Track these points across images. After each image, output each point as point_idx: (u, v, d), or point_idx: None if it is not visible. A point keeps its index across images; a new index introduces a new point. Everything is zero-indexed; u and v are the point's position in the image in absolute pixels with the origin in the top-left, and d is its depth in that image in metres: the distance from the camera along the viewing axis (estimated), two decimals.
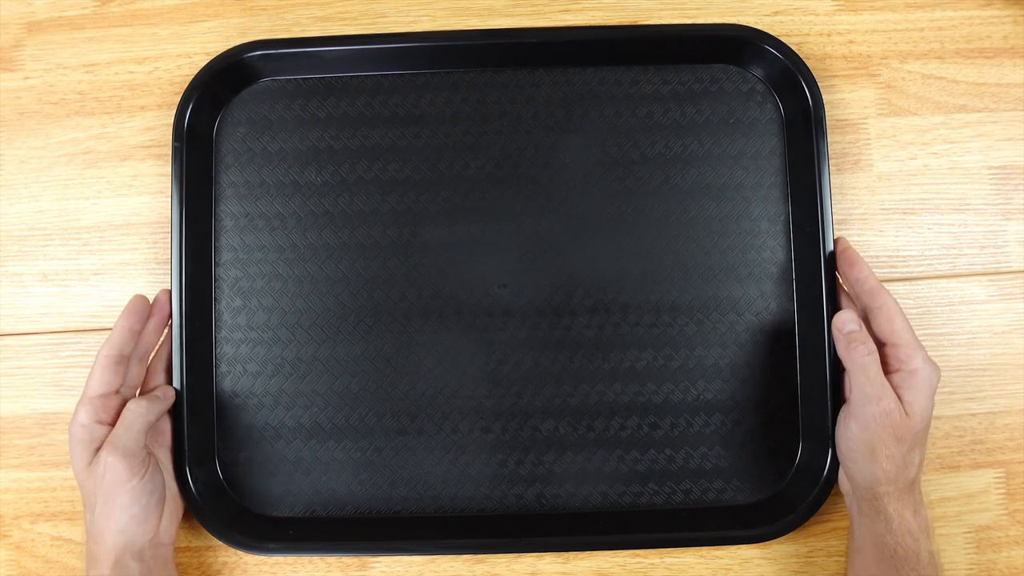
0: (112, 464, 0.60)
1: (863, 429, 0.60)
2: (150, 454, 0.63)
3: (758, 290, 0.68)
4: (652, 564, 0.68)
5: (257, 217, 0.69)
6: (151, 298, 0.66)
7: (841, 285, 0.65)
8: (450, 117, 0.69)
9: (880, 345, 0.61)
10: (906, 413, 0.59)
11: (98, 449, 0.61)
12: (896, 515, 0.60)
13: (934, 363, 0.61)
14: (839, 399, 0.64)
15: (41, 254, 0.71)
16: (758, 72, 0.69)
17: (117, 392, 0.63)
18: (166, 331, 0.67)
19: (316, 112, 0.70)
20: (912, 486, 0.61)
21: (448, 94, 0.70)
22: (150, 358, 0.66)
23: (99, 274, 0.71)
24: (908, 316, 0.61)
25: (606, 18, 0.71)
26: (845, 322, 0.62)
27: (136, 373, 0.65)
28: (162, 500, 0.64)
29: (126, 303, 0.64)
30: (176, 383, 0.66)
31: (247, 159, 0.69)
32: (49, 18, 0.73)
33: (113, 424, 0.62)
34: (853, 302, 0.65)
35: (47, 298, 0.71)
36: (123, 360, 0.63)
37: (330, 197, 0.69)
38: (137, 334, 0.64)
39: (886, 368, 0.61)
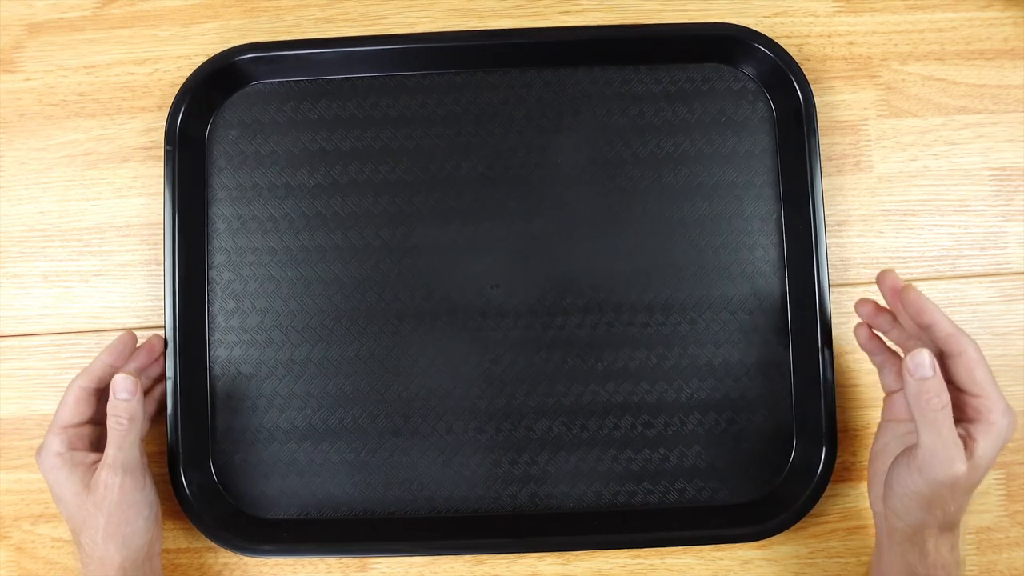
0: (116, 484, 0.60)
1: (927, 485, 0.55)
2: (146, 465, 0.64)
3: (751, 288, 0.68)
4: (652, 565, 0.68)
5: (250, 219, 0.69)
6: (145, 337, 0.67)
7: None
8: (442, 118, 0.69)
9: (958, 391, 0.56)
10: (973, 467, 0.54)
11: (84, 472, 0.61)
12: (933, 550, 0.57)
13: (1012, 411, 0.55)
14: (832, 397, 0.64)
15: (42, 255, 0.71)
16: (749, 71, 0.69)
17: (88, 422, 0.63)
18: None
19: (308, 114, 0.70)
20: (956, 525, 0.57)
21: (439, 95, 0.70)
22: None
23: (100, 275, 0.71)
24: None
25: (606, 19, 0.71)
26: (919, 366, 0.53)
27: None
28: (159, 510, 0.64)
29: (114, 338, 0.65)
30: (170, 386, 0.66)
31: (239, 162, 0.70)
32: (50, 19, 0.73)
33: (87, 451, 0.63)
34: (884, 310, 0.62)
35: (48, 299, 0.71)
36: (97, 393, 0.64)
37: (322, 199, 0.69)
38: (116, 370, 0.64)
39: (963, 415, 0.55)
